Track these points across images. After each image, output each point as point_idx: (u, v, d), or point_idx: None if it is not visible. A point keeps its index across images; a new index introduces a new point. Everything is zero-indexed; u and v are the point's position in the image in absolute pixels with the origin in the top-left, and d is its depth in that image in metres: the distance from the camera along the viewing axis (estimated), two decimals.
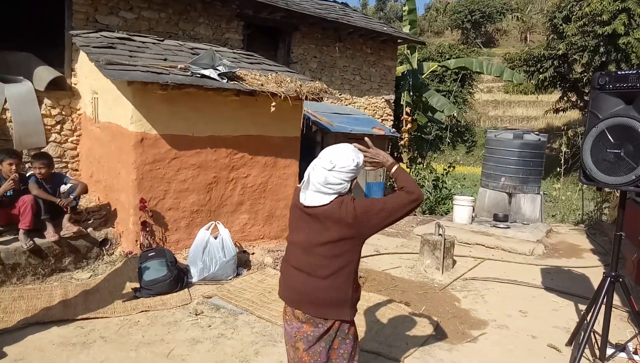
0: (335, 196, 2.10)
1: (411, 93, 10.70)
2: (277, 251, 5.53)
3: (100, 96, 5.42)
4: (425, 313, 4.24)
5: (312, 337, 2.18)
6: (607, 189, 7.88)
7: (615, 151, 3.15)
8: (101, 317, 3.80)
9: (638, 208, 5.41)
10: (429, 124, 13.00)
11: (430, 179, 9.75)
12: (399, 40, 9.88)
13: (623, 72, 3.13)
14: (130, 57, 4.96)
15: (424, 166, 10.66)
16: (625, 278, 3.57)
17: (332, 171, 2.07)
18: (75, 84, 6.07)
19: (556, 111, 18.72)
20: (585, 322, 3.46)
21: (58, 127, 5.93)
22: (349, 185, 2.14)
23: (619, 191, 3.49)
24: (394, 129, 9.13)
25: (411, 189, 2.13)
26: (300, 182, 2.25)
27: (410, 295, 4.67)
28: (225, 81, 4.90)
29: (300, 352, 2.20)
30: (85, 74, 5.77)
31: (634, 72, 3.04)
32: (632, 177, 3.04)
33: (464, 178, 13.24)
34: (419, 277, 5.26)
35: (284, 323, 2.32)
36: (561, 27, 16.24)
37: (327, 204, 2.09)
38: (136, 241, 4.79)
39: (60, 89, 5.92)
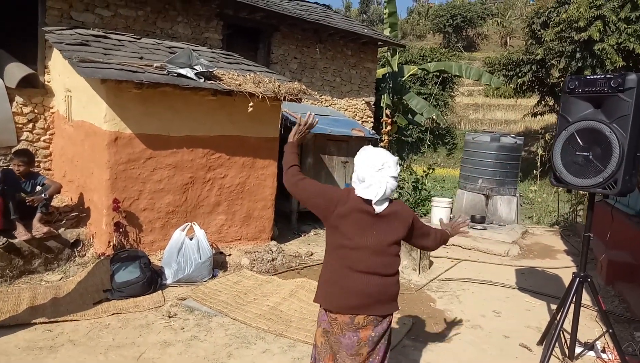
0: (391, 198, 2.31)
1: (391, 95, 10.77)
2: (255, 252, 5.50)
3: (74, 94, 5.31)
4: (401, 314, 4.26)
5: (377, 336, 2.24)
6: (581, 192, 8.07)
7: (584, 153, 3.21)
8: (70, 320, 3.71)
9: (608, 210, 5.53)
10: (409, 126, 13.12)
11: (410, 181, 9.81)
12: (379, 43, 9.93)
13: (592, 77, 3.19)
14: (105, 55, 4.87)
15: (404, 168, 10.72)
16: (593, 278, 3.65)
17: (396, 178, 2.28)
18: (49, 82, 5.94)
19: (534, 114, 19.04)
20: (556, 321, 3.52)
21: (30, 125, 5.79)
22: None
23: (587, 193, 3.56)
24: (373, 131, 9.16)
25: (439, 239, 2.60)
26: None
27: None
28: (202, 80, 4.85)
29: (363, 356, 2.24)
30: (59, 72, 5.65)
31: (602, 76, 3.11)
32: (599, 179, 3.11)
33: (444, 180, 13.37)
34: None
35: (334, 337, 2.25)
36: (539, 32, 16.52)
37: (390, 204, 2.27)
38: (109, 242, 4.70)
39: (32, 86, 5.79)
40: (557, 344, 3.60)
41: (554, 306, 4.47)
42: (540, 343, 3.81)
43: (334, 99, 9.38)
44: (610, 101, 3.08)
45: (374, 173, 2.21)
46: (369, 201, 2.21)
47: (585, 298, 4.38)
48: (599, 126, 3.12)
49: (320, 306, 2.34)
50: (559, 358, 3.58)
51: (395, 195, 8.61)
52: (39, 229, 4.50)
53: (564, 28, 14.32)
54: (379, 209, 2.22)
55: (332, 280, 2.26)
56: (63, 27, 5.64)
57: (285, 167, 2.48)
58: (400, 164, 2.42)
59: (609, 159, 3.05)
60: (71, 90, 5.36)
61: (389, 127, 10.36)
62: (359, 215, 2.22)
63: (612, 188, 3.06)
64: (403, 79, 11.70)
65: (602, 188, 3.12)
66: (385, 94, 10.70)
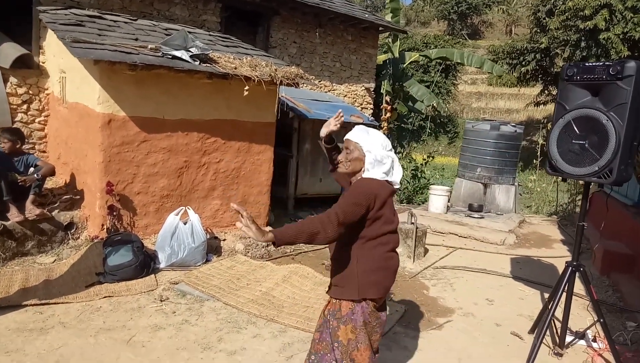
0: None
1: (392, 82, 10.66)
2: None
3: (68, 76, 5.25)
4: (393, 301, 4.26)
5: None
6: (581, 181, 8.02)
7: (580, 142, 3.16)
8: (62, 302, 3.71)
9: (605, 199, 5.49)
10: (410, 114, 13.01)
11: (409, 169, 9.76)
12: (380, 28, 9.80)
13: (590, 64, 3.13)
14: (99, 36, 4.80)
15: (403, 156, 10.67)
16: (588, 268, 3.63)
17: None
18: (43, 63, 5.87)
19: (537, 104, 18.91)
20: (547, 310, 3.51)
21: (25, 106, 5.74)
22: None
23: (583, 182, 3.52)
24: (372, 118, 9.09)
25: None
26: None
27: None
28: (197, 63, 4.78)
29: (378, 336, 2.28)
30: (54, 52, 5.58)
31: (601, 64, 3.05)
32: (595, 168, 3.06)
33: (443, 168, 13.32)
34: None
35: (370, 324, 2.21)
36: (544, 20, 16.32)
37: None
38: (102, 225, 4.69)
39: (27, 67, 5.72)
40: (548, 333, 3.59)
41: (547, 295, 4.45)
42: (531, 331, 3.81)
43: (334, 84, 9.29)
44: (609, 88, 3.02)
45: (388, 153, 2.22)
46: (390, 182, 2.24)
47: (580, 288, 4.37)
48: (596, 114, 3.06)
49: (353, 302, 2.18)
50: (549, 347, 3.57)
51: None
52: (31, 211, 4.48)
53: (569, 16, 14.13)
54: (397, 186, 2.29)
55: (376, 268, 2.18)
56: (58, 7, 5.56)
57: (313, 236, 1.96)
58: (400, 152, 2.41)
59: (605, 148, 3.00)
60: (65, 71, 5.30)
61: (388, 114, 10.28)
62: (391, 198, 2.24)
63: (607, 177, 3.02)
64: (404, 65, 11.58)
65: (597, 177, 3.08)
66: (386, 81, 10.59)
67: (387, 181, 2.21)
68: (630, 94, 2.90)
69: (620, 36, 12.77)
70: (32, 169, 4.71)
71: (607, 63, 3.01)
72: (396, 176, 2.25)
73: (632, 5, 12.63)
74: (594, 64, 3.10)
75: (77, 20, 5.14)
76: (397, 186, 2.27)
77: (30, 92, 5.77)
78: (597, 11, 13.18)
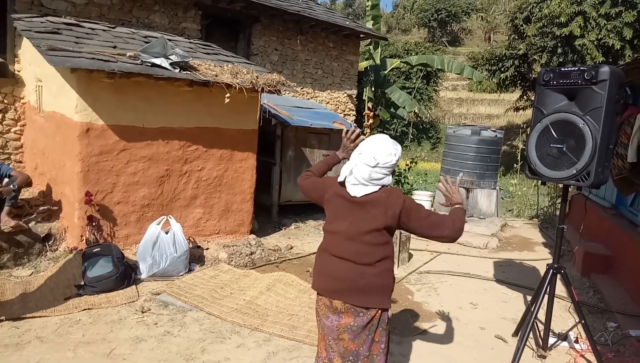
0: (381, 186, 2.18)
1: (373, 89, 10.73)
2: (233, 246, 5.43)
3: (45, 84, 5.15)
4: None
5: (357, 327, 2.19)
6: (560, 185, 8.17)
7: (558, 146, 3.21)
8: (39, 316, 3.61)
9: (583, 202, 5.59)
10: (393, 120, 13.10)
11: (393, 175, 9.81)
12: (361, 35, 9.87)
13: (566, 69, 3.18)
14: (77, 44, 4.73)
15: None
16: (570, 270, 3.69)
17: (375, 167, 2.13)
18: (19, 71, 5.76)
19: (516, 109, 19.22)
20: (530, 312, 3.54)
21: None
22: (391, 176, 2.21)
23: (562, 185, 3.57)
24: (355, 124, 9.12)
25: (458, 224, 2.18)
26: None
27: None
28: (177, 70, 4.74)
29: (346, 342, 2.21)
30: (29, 61, 5.48)
31: (576, 69, 3.10)
32: (573, 171, 3.11)
33: (426, 174, 13.43)
34: None
35: (321, 319, 2.29)
36: (522, 28, 16.64)
37: (375, 192, 2.16)
38: (81, 236, 4.59)
39: (2, 76, 5.61)
40: (531, 335, 3.62)
41: (530, 298, 4.51)
42: (515, 334, 3.84)
43: (316, 91, 9.31)
44: (584, 93, 3.08)
45: (356, 156, 2.22)
46: (343, 184, 2.23)
47: (562, 290, 4.43)
48: (573, 118, 3.12)
49: None
50: (533, 349, 3.60)
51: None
52: (6, 222, 4.36)
53: (545, 23, 14.45)
54: (353, 193, 2.19)
55: (316, 261, 2.35)
56: (33, 15, 5.46)
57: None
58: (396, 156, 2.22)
59: (582, 151, 3.05)
60: (42, 80, 5.20)
61: (371, 121, 10.33)
62: (338, 200, 2.24)
63: (585, 180, 3.07)
64: (386, 72, 11.67)
65: (575, 180, 3.12)
66: (368, 87, 10.66)
67: (339, 181, 2.26)
68: (604, 98, 2.96)
69: (595, 42, 13.10)
70: (6, 179, 4.57)
71: (582, 68, 3.07)
72: (341, 173, 2.23)
73: (605, 13, 12.98)
74: (569, 69, 3.15)
75: (53, 28, 5.05)
76: (350, 192, 2.19)
77: (6, 101, 5.64)
78: (572, 18, 13.51)
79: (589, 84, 3.03)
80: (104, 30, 5.61)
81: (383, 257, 2.19)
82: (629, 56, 12.41)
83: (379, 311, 2.21)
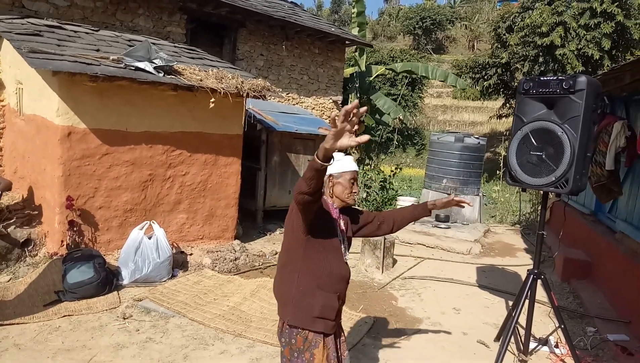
0: None
1: (359, 95, 10.80)
2: (217, 251, 5.39)
3: (25, 87, 5.07)
4: (362, 313, 4.26)
5: (282, 341, 2.12)
6: (541, 191, 8.31)
7: (538, 153, 3.27)
8: (17, 323, 3.53)
9: (563, 207, 5.71)
10: (378, 126, 13.18)
11: (378, 181, 9.86)
12: (347, 42, 9.95)
13: (545, 78, 3.26)
14: (59, 47, 4.66)
15: (372, 168, 10.78)
16: (550, 275, 3.76)
17: None
18: None
19: (499, 116, 19.54)
20: (511, 317, 3.58)
21: None
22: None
23: (541, 191, 3.64)
24: None
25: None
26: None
27: (349, 294, 4.61)
28: (161, 74, 4.71)
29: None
30: (9, 63, 5.38)
31: (554, 78, 3.18)
32: (552, 178, 3.18)
33: (411, 180, 13.53)
34: (360, 276, 5.28)
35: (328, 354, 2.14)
36: (504, 37, 16.97)
37: None
38: (62, 241, 4.51)
39: None
40: (513, 340, 3.67)
41: (511, 303, 4.57)
42: (497, 339, 3.88)
43: (301, 97, 9.33)
44: (562, 102, 3.15)
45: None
46: None
47: (542, 295, 4.49)
48: (552, 126, 3.19)
49: None
50: (514, 354, 3.65)
51: (363, 194, 8.65)
52: None
53: (527, 33, 14.76)
54: None
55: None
56: (14, 16, 5.37)
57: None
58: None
59: (560, 159, 3.12)
60: (22, 82, 5.11)
61: (356, 127, 10.38)
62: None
63: (563, 187, 3.14)
64: (371, 78, 11.76)
65: (554, 187, 3.19)
66: (353, 94, 10.73)
67: None
68: (582, 107, 3.04)
69: (575, 52, 13.43)
70: None
71: (561, 77, 3.14)
72: None
73: (585, 24, 13.32)
74: (548, 78, 3.23)
75: (34, 30, 4.97)
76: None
77: None
78: (553, 28, 13.84)
79: (567, 93, 3.11)
80: (87, 33, 5.54)
81: (286, 262, 2.15)
82: (607, 65, 12.74)
83: (285, 324, 2.11)
